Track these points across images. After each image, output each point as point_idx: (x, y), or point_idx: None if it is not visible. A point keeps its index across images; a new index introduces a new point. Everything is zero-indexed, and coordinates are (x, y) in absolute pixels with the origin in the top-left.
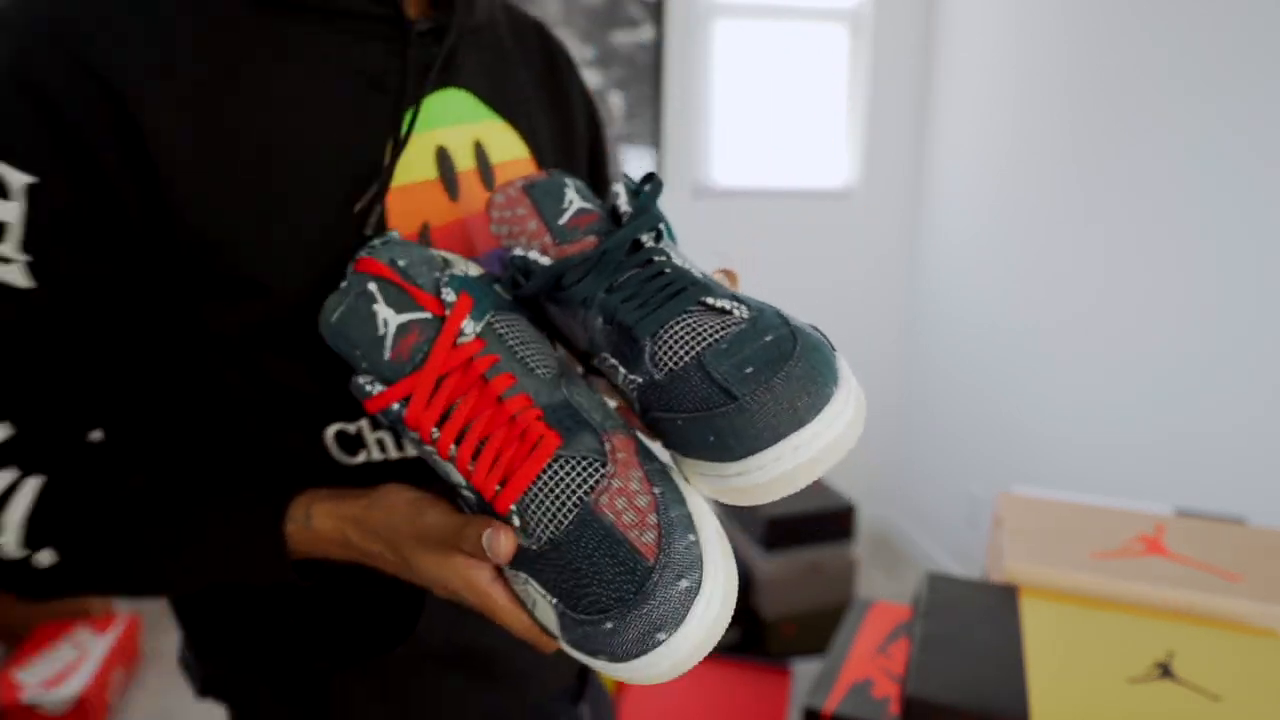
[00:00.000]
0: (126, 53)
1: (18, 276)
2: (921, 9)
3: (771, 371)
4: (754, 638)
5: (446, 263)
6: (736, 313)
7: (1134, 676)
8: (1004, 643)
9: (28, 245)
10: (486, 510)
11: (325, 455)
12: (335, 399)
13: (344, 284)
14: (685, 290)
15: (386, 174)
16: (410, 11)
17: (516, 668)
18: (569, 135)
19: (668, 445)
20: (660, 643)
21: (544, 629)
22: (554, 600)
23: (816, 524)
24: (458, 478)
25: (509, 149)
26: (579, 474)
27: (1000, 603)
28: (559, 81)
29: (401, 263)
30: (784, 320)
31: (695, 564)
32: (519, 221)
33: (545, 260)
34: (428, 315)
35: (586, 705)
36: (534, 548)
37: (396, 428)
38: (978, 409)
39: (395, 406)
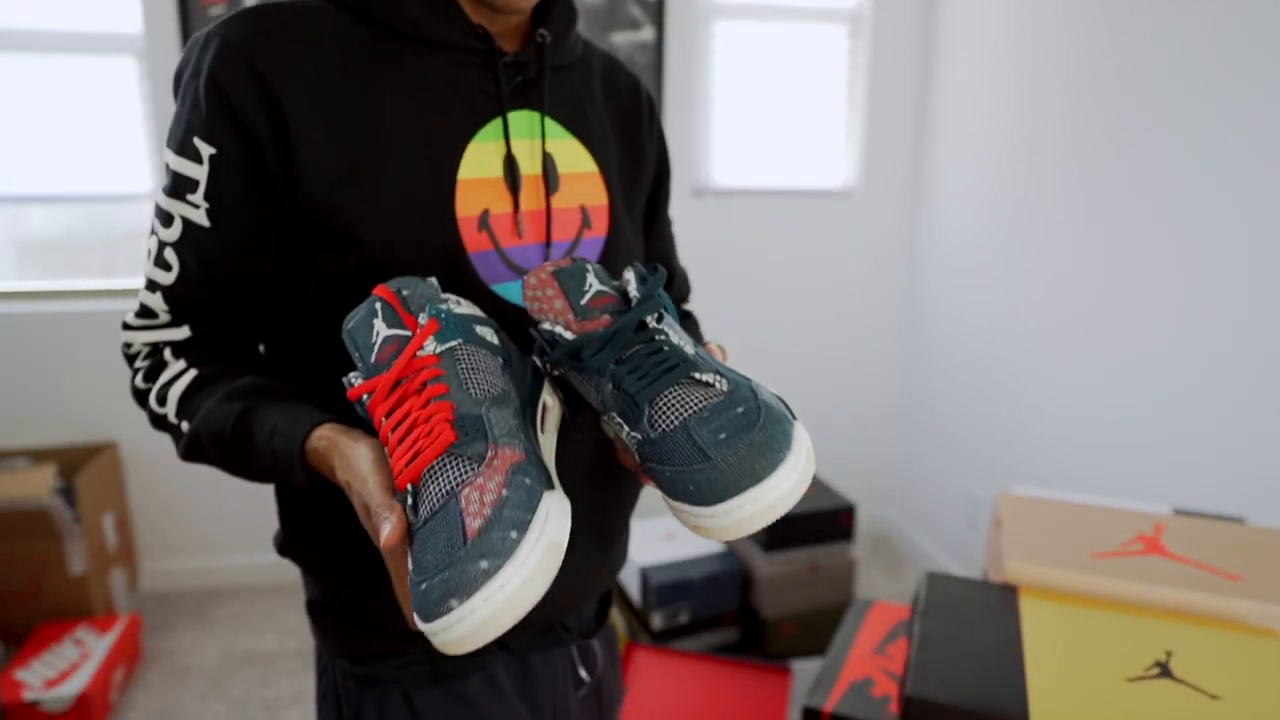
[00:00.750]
0: (286, 66)
1: (202, 216)
2: (921, 9)
3: (739, 439)
4: (754, 637)
5: (444, 299)
6: (717, 385)
7: (1133, 676)
8: (1003, 642)
9: (207, 195)
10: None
11: None
12: None
13: (364, 303)
14: (678, 366)
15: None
16: (506, 46)
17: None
18: (636, 172)
19: (661, 490)
20: (450, 609)
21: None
22: (411, 567)
23: (816, 524)
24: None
25: (578, 163)
26: (458, 469)
27: (1000, 602)
28: (639, 127)
29: (405, 292)
30: (754, 394)
31: (502, 553)
32: (548, 300)
33: (569, 335)
34: (407, 333)
35: (600, 640)
36: (416, 526)
37: (364, 410)
38: (977, 409)
39: (365, 398)
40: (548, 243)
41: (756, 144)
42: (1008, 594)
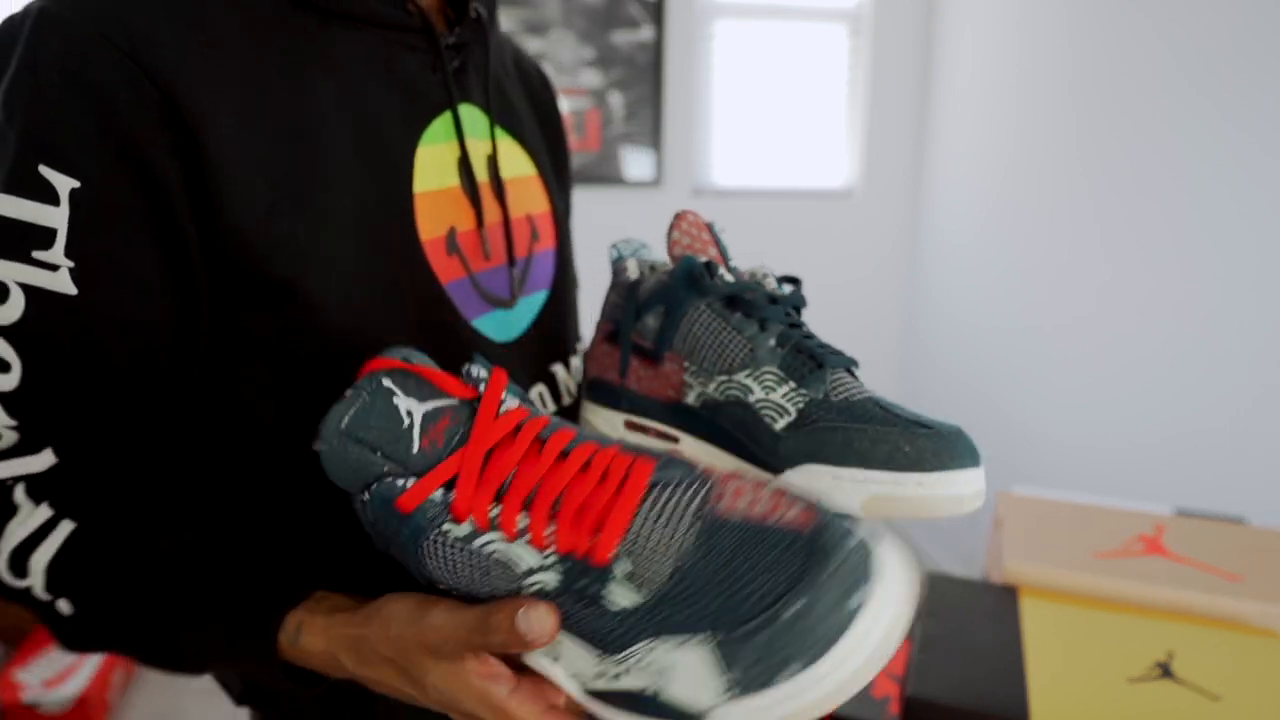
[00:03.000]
0: (174, 51)
1: (63, 282)
2: (921, 9)
3: (949, 425)
4: None
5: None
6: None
7: (1134, 676)
8: (1004, 643)
9: (71, 250)
10: (575, 573)
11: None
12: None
13: (349, 392)
14: (840, 353)
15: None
16: (436, 25)
17: None
18: (562, 170)
19: (820, 455)
20: (861, 604)
21: (653, 701)
22: (703, 635)
23: None
24: (531, 558)
25: (519, 166)
26: (684, 492)
27: (1000, 603)
28: (557, 127)
29: (414, 359)
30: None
31: (856, 524)
32: (703, 244)
33: (724, 273)
34: (455, 400)
35: None
36: (646, 597)
37: (431, 530)
38: (978, 408)
39: (437, 495)
40: (511, 261)
41: (756, 144)
42: (1008, 594)
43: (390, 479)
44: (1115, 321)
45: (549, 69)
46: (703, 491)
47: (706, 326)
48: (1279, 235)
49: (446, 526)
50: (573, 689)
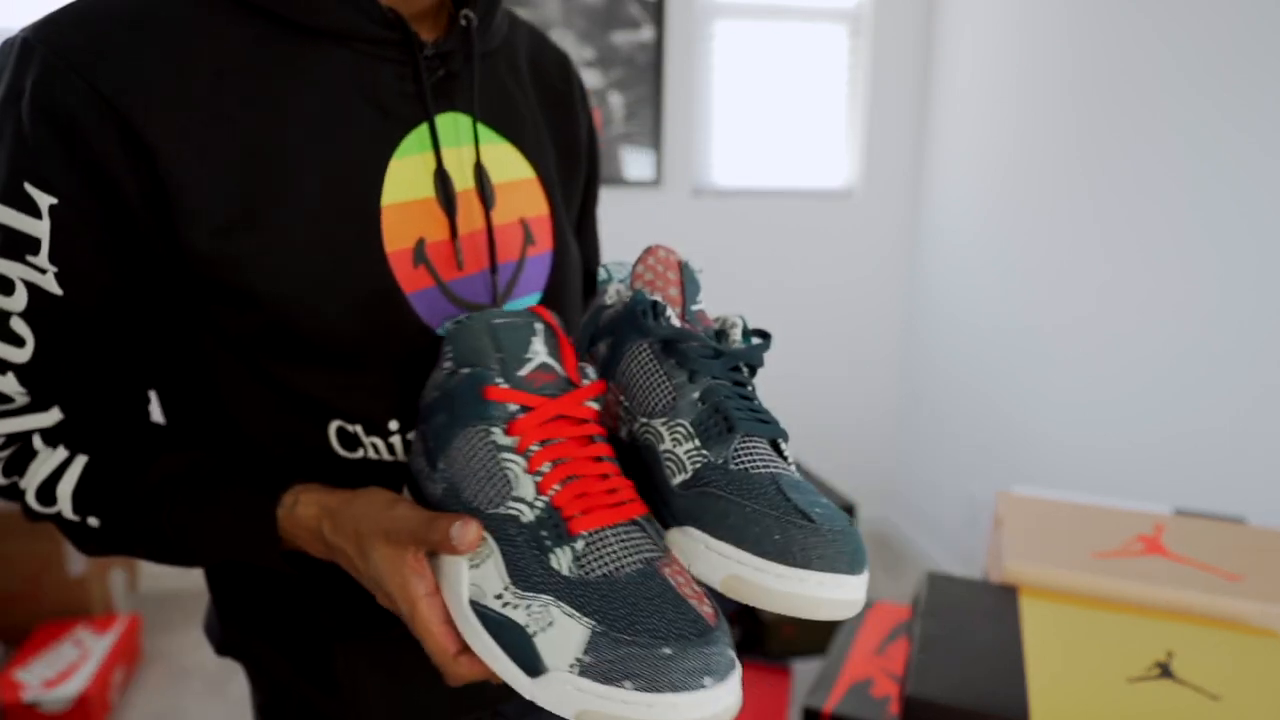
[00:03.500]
0: (141, 80)
1: (50, 283)
2: (921, 9)
3: (840, 521)
4: (754, 638)
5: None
6: (795, 468)
7: (1134, 676)
8: (1004, 642)
9: (54, 257)
10: (553, 523)
11: (328, 448)
12: (337, 400)
13: (517, 311)
14: (772, 424)
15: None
16: (421, 32)
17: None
18: (572, 167)
19: (699, 520)
20: (704, 686)
21: (520, 640)
22: (590, 621)
23: None
24: (527, 489)
25: (513, 169)
26: (648, 542)
27: (1000, 603)
28: (573, 114)
29: (563, 329)
30: (826, 500)
31: (730, 652)
32: (665, 283)
33: (674, 316)
34: (562, 373)
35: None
36: (577, 576)
37: (486, 422)
38: (978, 409)
39: (513, 406)
40: (493, 269)
41: (756, 144)
42: (1008, 594)
43: (494, 373)
44: (1115, 321)
45: None
46: (659, 554)
47: (642, 366)
48: (1279, 235)
49: (496, 430)
50: (464, 593)
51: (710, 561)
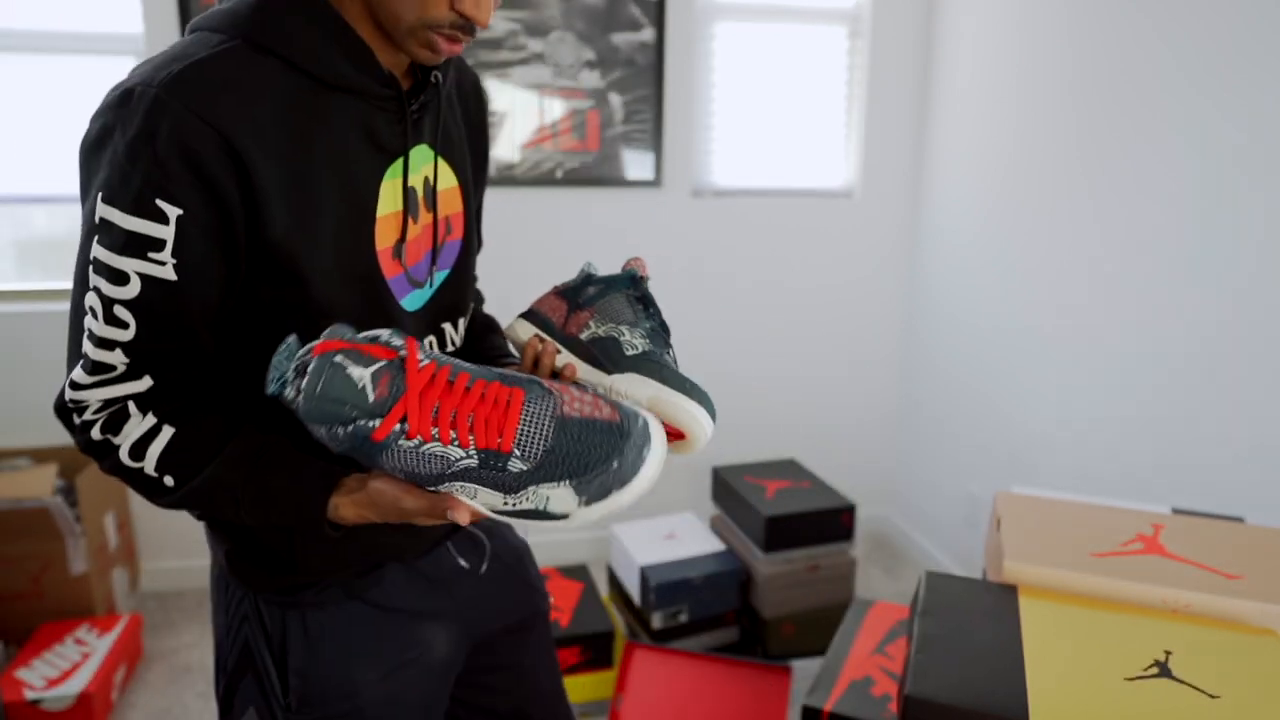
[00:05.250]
0: (241, 127)
1: (169, 272)
2: (921, 9)
3: (708, 400)
4: (754, 637)
5: (377, 333)
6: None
7: (1132, 675)
8: (1003, 642)
9: (175, 253)
10: (491, 458)
11: None
12: None
13: (310, 368)
14: (672, 350)
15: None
16: (403, 83)
17: (449, 579)
18: (481, 167)
19: (640, 370)
20: (646, 457)
21: (541, 514)
22: (566, 481)
23: (816, 524)
24: (458, 453)
25: (445, 180)
26: (543, 404)
27: (999, 602)
28: (482, 127)
29: (349, 335)
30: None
31: (637, 414)
32: (643, 273)
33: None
34: (383, 361)
35: (475, 525)
36: (531, 466)
37: (393, 444)
38: (977, 409)
39: (398, 427)
40: (433, 258)
41: (756, 144)
42: (1007, 593)
43: (362, 421)
44: (1114, 322)
45: (548, 70)
46: (552, 402)
47: (619, 303)
48: (1278, 236)
49: (403, 442)
50: (486, 510)
51: (642, 388)
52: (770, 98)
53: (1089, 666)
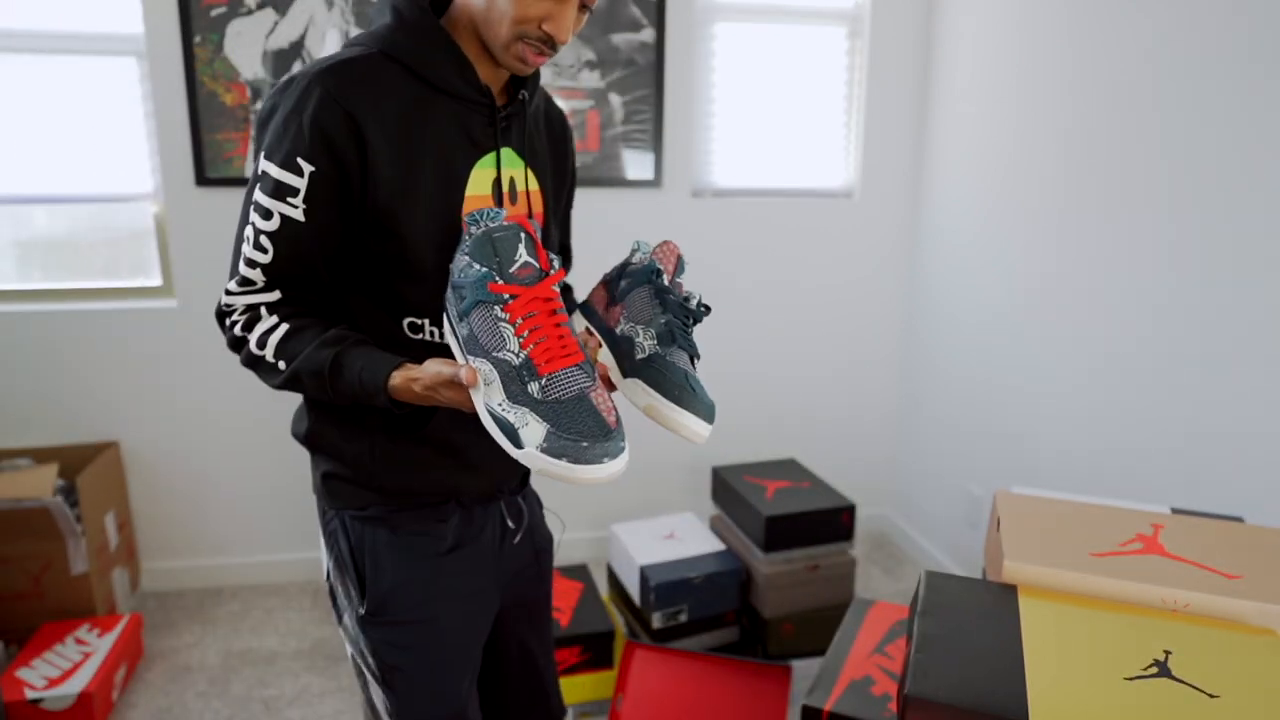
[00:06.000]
0: (366, 113)
1: (299, 215)
2: (920, 9)
3: (705, 402)
4: (754, 637)
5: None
6: (697, 375)
7: (1132, 675)
8: (1002, 641)
9: (305, 200)
10: (528, 367)
11: (402, 333)
12: (415, 305)
13: (501, 222)
14: (693, 346)
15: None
16: (498, 96)
17: (477, 458)
18: (561, 185)
19: (643, 377)
20: (601, 463)
21: (511, 429)
22: (546, 424)
23: (816, 524)
24: (514, 344)
25: (530, 182)
26: (583, 378)
27: (999, 601)
28: (565, 153)
29: (537, 228)
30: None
31: (623, 442)
32: (667, 262)
33: (666, 279)
34: (537, 265)
35: (523, 498)
36: (540, 397)
37: (490, 302)
38: (977, 409)
39: (506, 295)
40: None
41: (756, 144)
42: (1007, 593)
43: (494, 274)
44: (1114, 322)
45: (548, 70)
46: (589, 383)
47: (641, 299)
48: (1278, 236)
49: (497, 308)
50: (480, 401)
51: (643, 397)
52: (770, 98)
53: (1089, 666)
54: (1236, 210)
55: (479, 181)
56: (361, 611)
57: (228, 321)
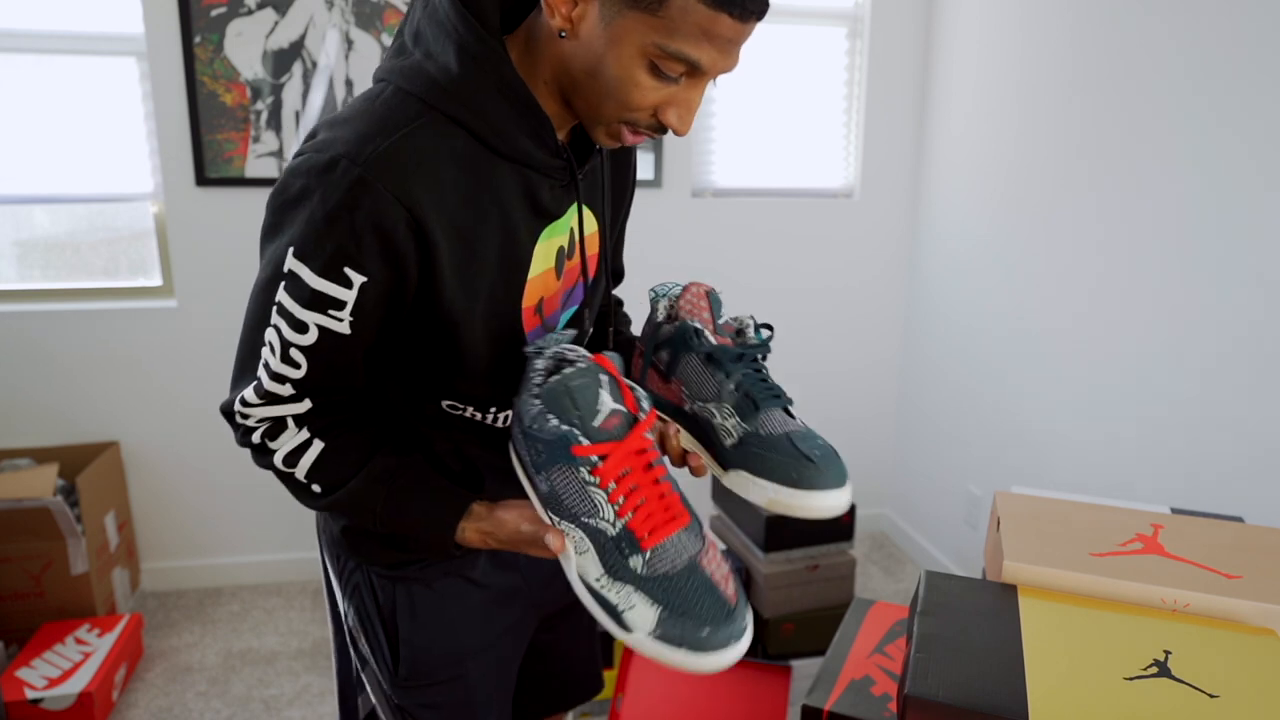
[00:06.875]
0: (424, 198)
1: (344, 328)
2: (920, 9)
3: (829, 458)
4: (754, 637)
5: (636, 385)
6: (799, 420)
7: (1132, 675)
8: (1002, 641)
9: (353, 313)
10: (628, 540)
11: (437, 409)
12: (460, 395)
13: (579, 366)
14: (781, 396)
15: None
16: (565, 139)
17: (512, 495)
18: (620, 203)
19: (747, 466)
20: (726, 647)
21: (615, 611)
22: (660, 608)
23: (815, 524)
24: (609, 512)
25: (589, 226)
26: (692, 542)
27: (998, 601)
28: (625, 168)
29: (619, 365)
30: (821, 437)
31: (748, 614)
32: (699, 309)
33: (709, 335)
34: (625, 410)
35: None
36: (645, 573)
37: (575, 467)
38: (976, 409)
39: (595, 458)
40: (565, 302)
41: (756, 144)
42: (1007, 593)
43: (576, 432)
44: (1114, 322)
45: None
46: (699, 547)
47: (694, 370)
48: (1277, 236)
49: (584, 471)
50: (573, 571)
51: (757, 492)
52: (770, 98)
53: (1089, 666)
54: (1237, 208)
55: (542, 257)
56: (394, 675)
57: (241, 425)
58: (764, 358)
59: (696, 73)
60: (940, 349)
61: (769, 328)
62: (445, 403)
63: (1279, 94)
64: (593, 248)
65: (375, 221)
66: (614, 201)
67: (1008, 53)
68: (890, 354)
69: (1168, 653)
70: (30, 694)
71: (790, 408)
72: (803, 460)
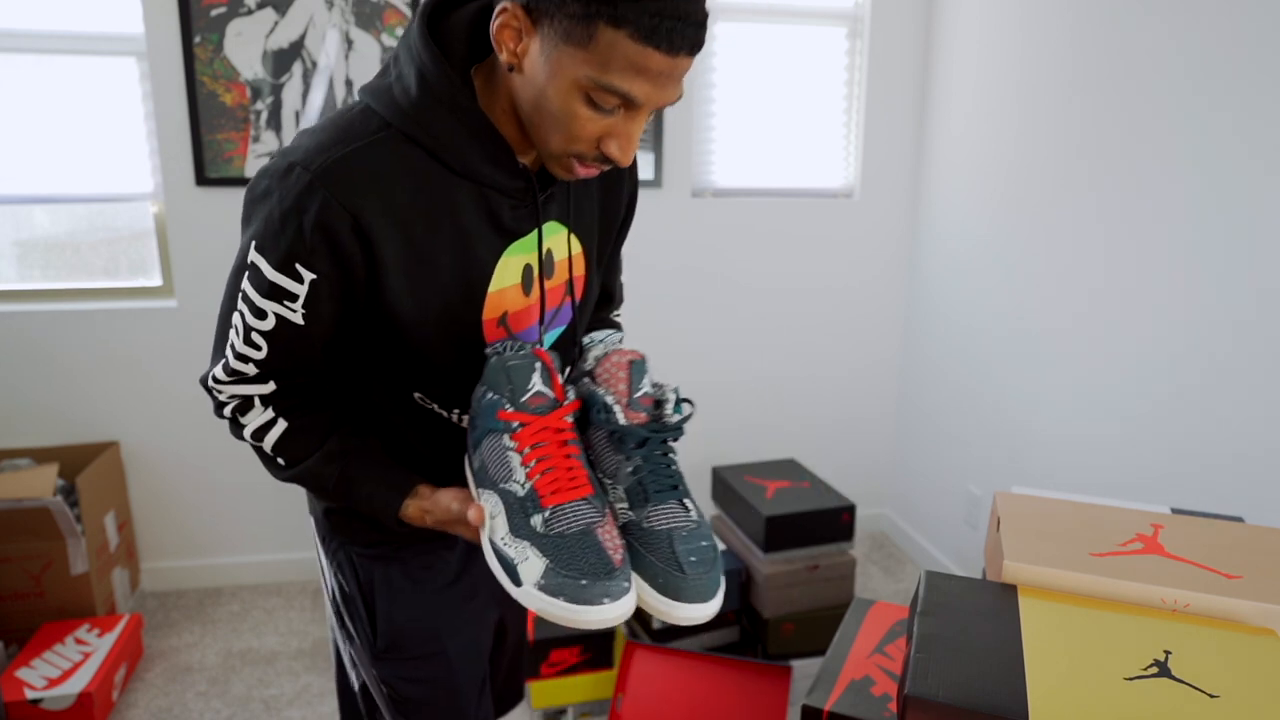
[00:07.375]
0: (370, 205)
1: (298, 319)
2: (920, 9)
3: (703, 568)
4: (754, 637)
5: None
6: (693, 515)
7: (1132, 675)
8: (1002, 641)
9: (305, 305)
10: (532, 499)
11: (410, 402)
12: (428, 391)
13: (522, 352)
14: (678, 487)
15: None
16: (529, 160)
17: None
18: (609, 225)
19: (633, 562)
20: (603, 604)
21: (511, 566)
22: (549, 561)
23: (816, 524)
24: (520, 474)
25: (572, 246)
26: (592, 513)
27: (999, 601)
28: (618, 191)
29: (557, 364)
30: (712, 536)
31: (631, 584)
32: (616, 380)
33: (619, 411)
34: (552, 395)
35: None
36: (543, 530)
37: (500, 432)
38: (976, 409)
39: (515, 424)
40: (541, 319)
41: (756, 144)
42: (1007, 593)
43: (505, 401)
44: (1114, 322)
45: None
46: (597, 518)
47: (599, 442)
48: (1277, 237)
49: (505, 437)
50: (485, 536)
51: (639, 591)
52: (770, 98)
53: (1089, 666)
54: (1237, 209)
55: (506, 273)
56: (373, 647)
57: (216, 398)
58: (677, 437)
59: (633, 106)
60: (940, 349)
61: (689, 403)
62: (416, 395)
63: (1279, 94)
64: (579, 269)
65: (322, 224)
66: (603, 225)
67: (1008, 53)
68: (890, 354)
69: (1168, 653)
70: (30, 694)
71: (687, 499)
72: (673, 567)
